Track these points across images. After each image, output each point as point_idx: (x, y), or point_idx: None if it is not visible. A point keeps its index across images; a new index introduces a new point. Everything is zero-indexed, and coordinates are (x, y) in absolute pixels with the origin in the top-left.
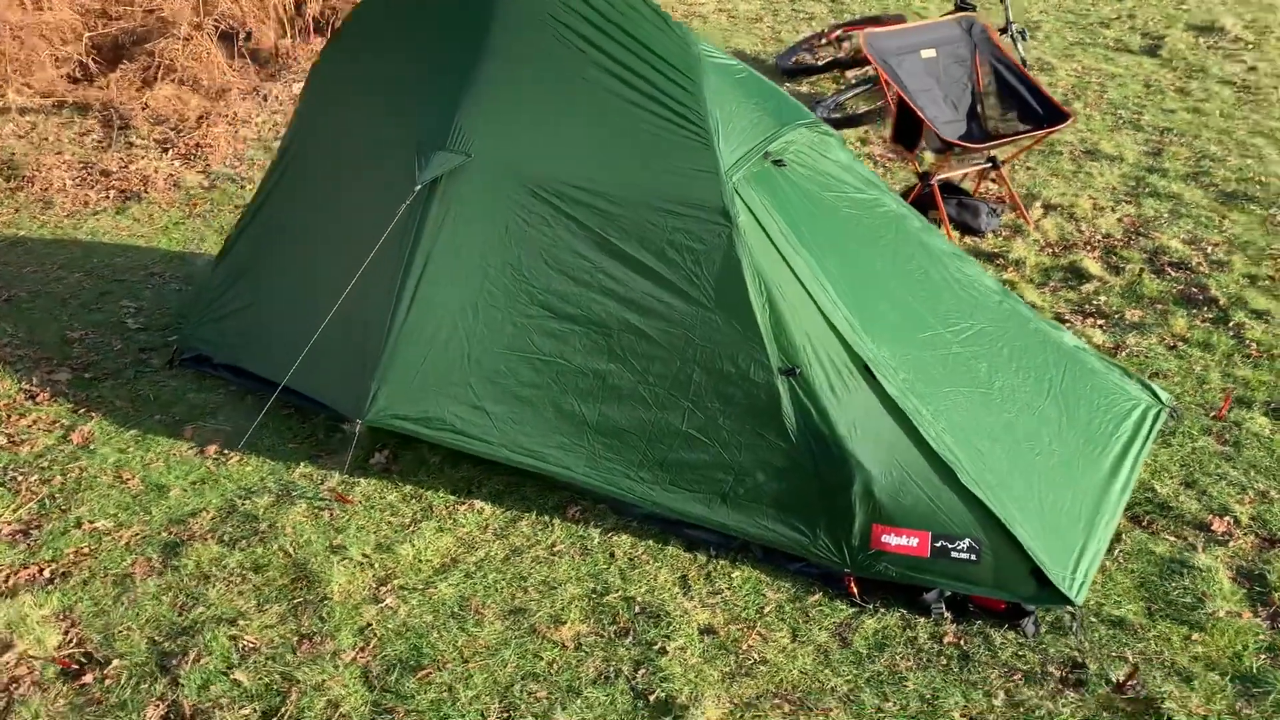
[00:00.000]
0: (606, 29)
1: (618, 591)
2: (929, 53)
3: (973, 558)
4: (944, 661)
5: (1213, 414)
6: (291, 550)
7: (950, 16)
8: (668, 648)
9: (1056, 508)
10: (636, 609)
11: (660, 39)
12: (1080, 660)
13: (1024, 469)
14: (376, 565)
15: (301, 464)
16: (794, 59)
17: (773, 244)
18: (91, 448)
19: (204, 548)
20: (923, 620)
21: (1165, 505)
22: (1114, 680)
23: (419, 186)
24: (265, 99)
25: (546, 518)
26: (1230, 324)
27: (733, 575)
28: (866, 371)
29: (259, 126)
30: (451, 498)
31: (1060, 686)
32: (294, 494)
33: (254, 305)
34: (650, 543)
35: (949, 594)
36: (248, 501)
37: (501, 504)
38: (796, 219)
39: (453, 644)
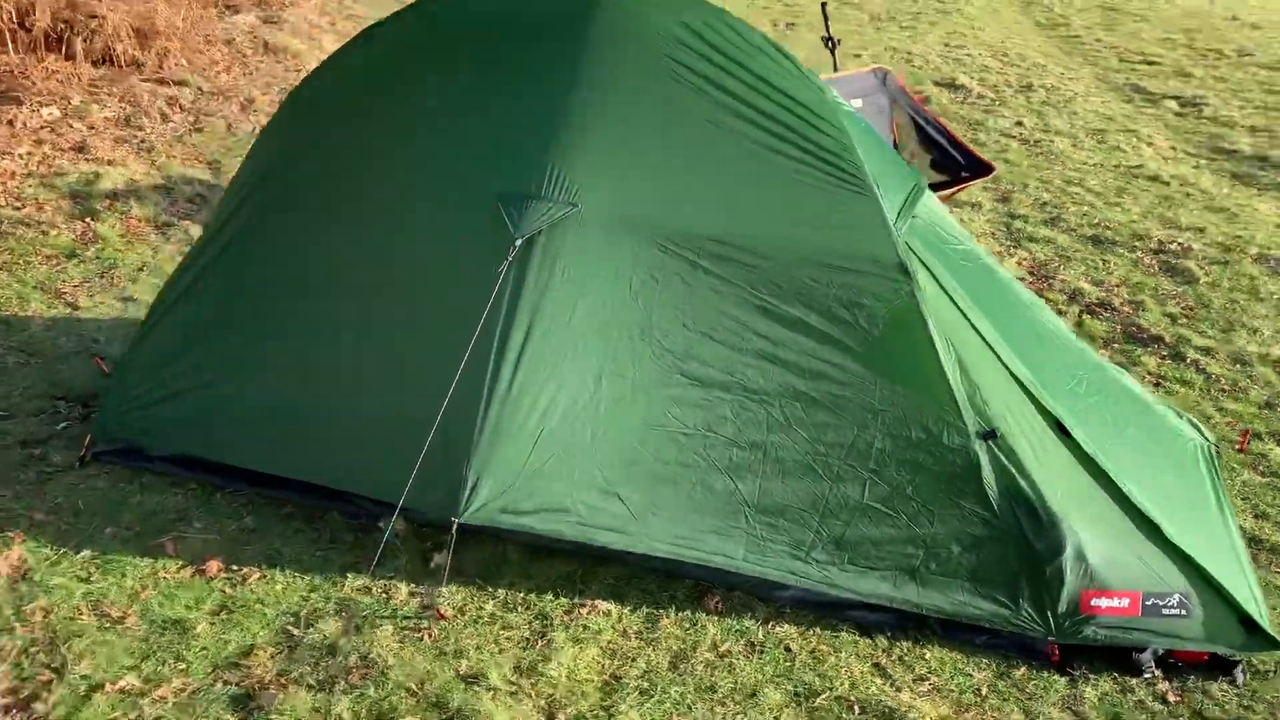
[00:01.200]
0: (729, 68)
1: (825, 693)
2: (856, 103)
3: (1183, 612)
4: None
5: (1235, 446)
6: (416, 687)
7: (864, 69)
8: None
9: (1217, 553)
10: (857, 709)
11: (791, 81)
12: None
13: (1180, 518)
14: (533, 693)
15: (347, 575)
16: None
17: (951, 300)
18: (35, 578)
19: (293, 696)
20: (1134, 681)
21: (1255, 538)
22: None
23: (518, 241)
24: (12, 124)
25: (689, 612)
26: (1188, 360)
27: (925, 656)
28: (1059, 429)
29: (25, 160)
30: (564, 600)
31: None
32: (363, 614)
33: (221, 378)
34: (818, 630)
35: (1160, 652)
36: (310, 630)
37: (625, 601)
38: (948, 274)
39: None
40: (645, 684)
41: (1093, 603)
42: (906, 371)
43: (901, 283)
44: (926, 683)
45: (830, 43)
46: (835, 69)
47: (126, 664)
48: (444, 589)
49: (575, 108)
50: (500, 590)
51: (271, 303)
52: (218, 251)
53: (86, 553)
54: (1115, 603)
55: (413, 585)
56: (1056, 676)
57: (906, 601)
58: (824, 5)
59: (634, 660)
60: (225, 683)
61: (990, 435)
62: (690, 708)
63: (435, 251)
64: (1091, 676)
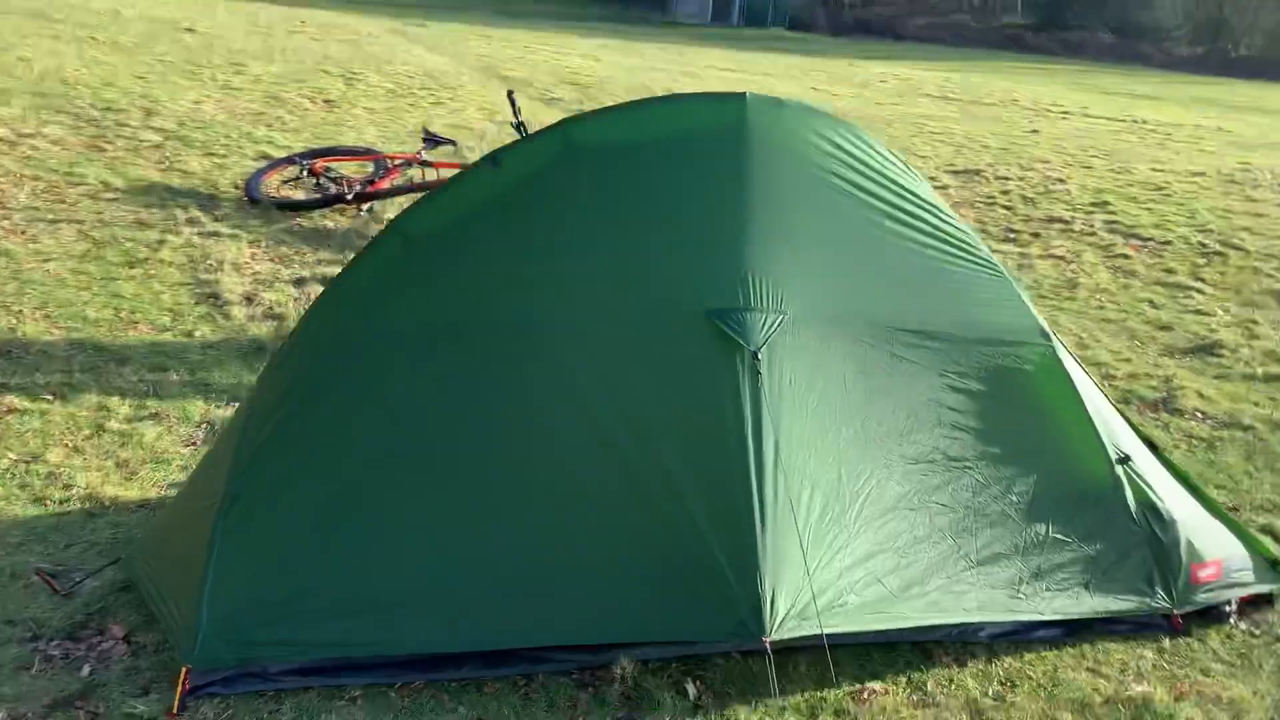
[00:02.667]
0: (867, 174)
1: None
2: None
3: (1244, 566)
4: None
5: None
6: None
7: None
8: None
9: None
10: (1119, 705)
11: (912, 181)
12: None
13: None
14: None
15: None
16: (267, 191)
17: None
18: None
19: None
20: (1228, 627)
21: None
22: None
23: (758, 353)
24: None
25: (948, 670)
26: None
27: (1109, 650)
28: (1148, 441)
29: None
30: (846, 688)
31: None
32: None
33: (376, 559)
34: (1032, 654)
35: (1234, 601)
36: None
37: (889, 677)
38: None
39: None
40: None
41: (1198, 574)
42: (1060, 419)
43: (1045, 345)
44: (1130, 671)
45: (521, 129)
46: None
47: None
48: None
49: (754, 221)
50: (767, 700)
51: (440, 462)
52: (325, 423)
53: None
54: (1209, 570)
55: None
56: (1188, 639)
57: (1086, 612)
58: (510, 94)
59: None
60: None
61: (1125, 460)
62: None
63: (655, 382)
64: (1199, 631)
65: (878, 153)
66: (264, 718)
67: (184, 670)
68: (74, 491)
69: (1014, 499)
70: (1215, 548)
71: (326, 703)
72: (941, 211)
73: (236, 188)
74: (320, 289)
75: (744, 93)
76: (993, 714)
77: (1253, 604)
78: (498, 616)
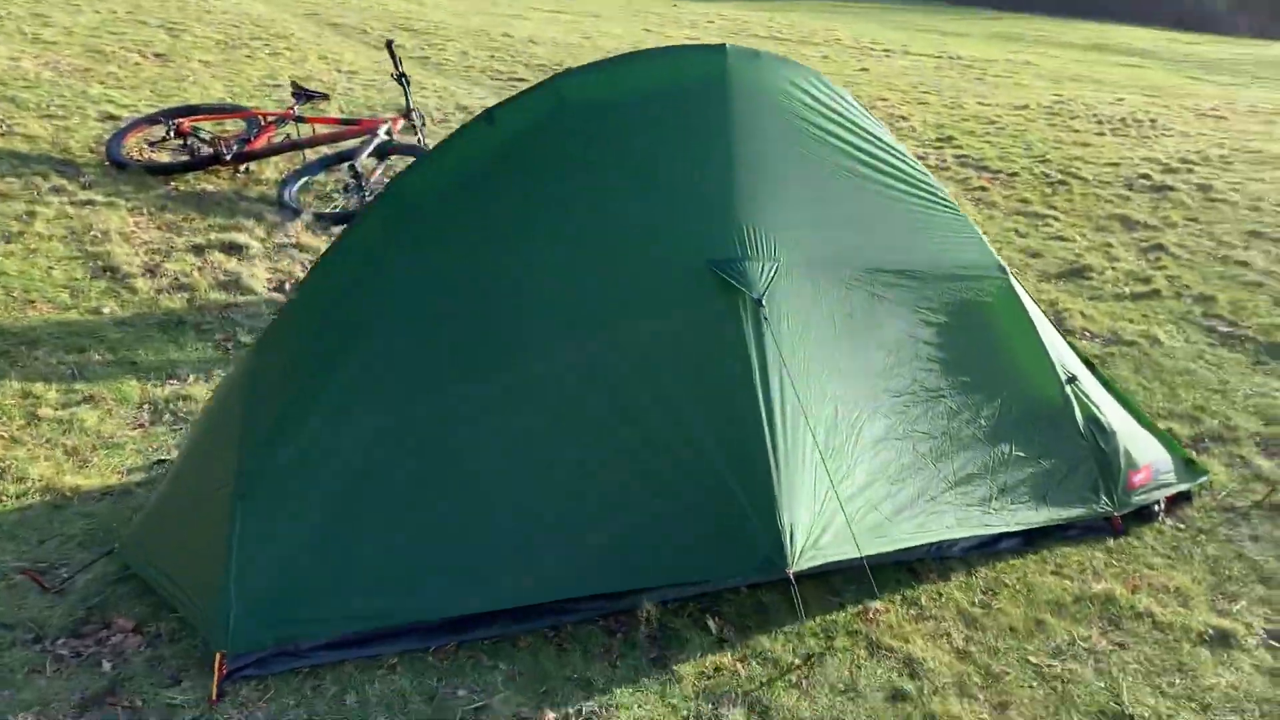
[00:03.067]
0: (839, 121)
1: (1067, 597)
2: None
3: (1167, 469)
4: (1211, 531)
5: None
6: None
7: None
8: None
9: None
10: (1087, 601)
11: (872, 123)
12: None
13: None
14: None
15: (670, 669)
16: (130, 154)
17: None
18: None
19: None
20: (1157, 523)
21: None
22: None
23: (761, 299)
24: None
25: (936, 584)
26: None
27: (1066, 554)
28: (1085, 360)
29: None
30: (849, 612)
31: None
32: (760, 680)
33: (401, 527)
34: (1001, 563)
35: (1162, 500)
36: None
37: (900, 594)
38: None
39: None
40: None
41: (1133, 479)
42: (1017, 345)
43: (1003, 278)
44: (1088, 571)
45: (403, 80)
46: (408, 105)
47: None
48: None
49: (741, 171)
50: (785, 629)
51: (455, 426)
52: (347, 382)
53: None
54: (1141, 474)
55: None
56: (1127, 538)
57: (1043, 520)
58: (390, 44)
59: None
60: None
61: (1072, 380)
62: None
63: (663, 333)
64: (1135, 528)
65: (845, 100)
66: (306, 694)
67: (218, 656)
68: (29, 484)
69: (982, 423)
70: (1145, 453)
71: (366, 673)
72: (905, 156)
73: (93, 151)
74: (223, 257)
75: (723, 44)
76: (984, 620)
77: (1175, 501)
78: (525, 573)
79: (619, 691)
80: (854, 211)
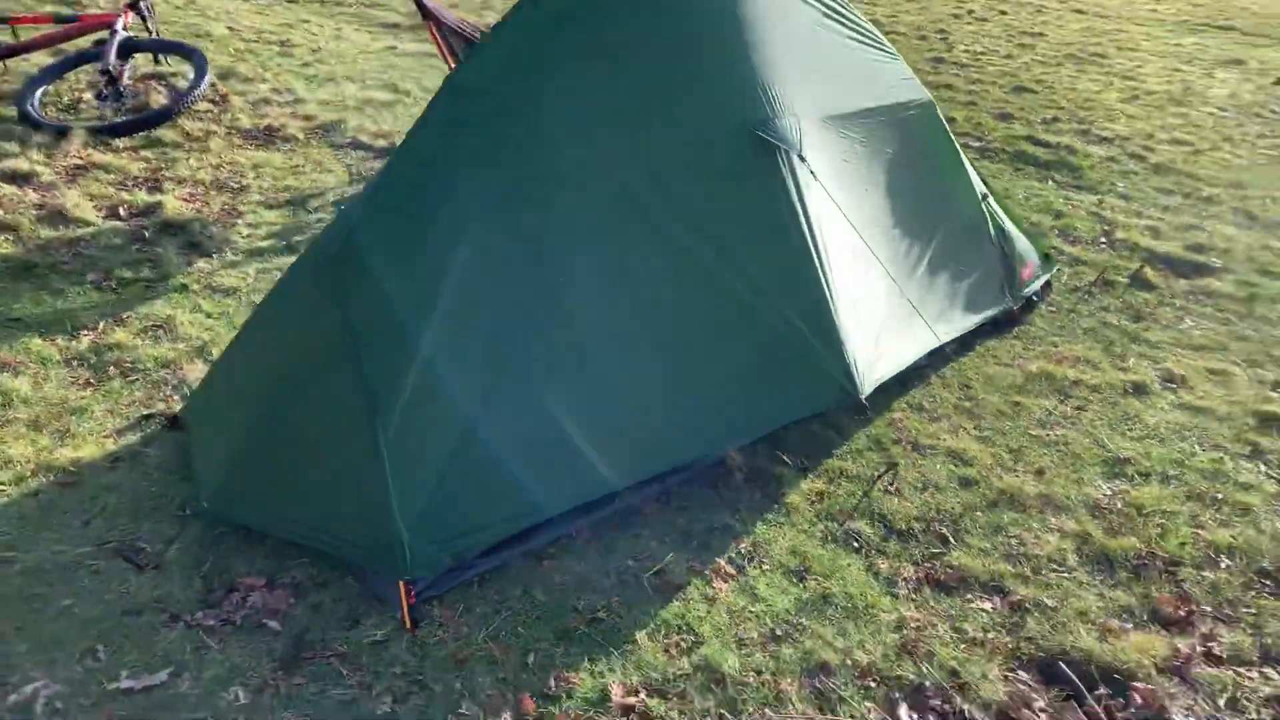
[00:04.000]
0: None
1: (991, 389)
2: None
3: (1038, 262)
4: (1075, 309)
5: None
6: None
7: None
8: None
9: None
10: (1001, 384)
11: None
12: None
13: None
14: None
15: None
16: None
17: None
18: None
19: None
20: (1040, 308)
21: None
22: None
23: (800, 153)
24: None
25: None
26: None
27: (993, 347)
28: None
29: None
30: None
31: (1092, 287)
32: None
33: (528, 427)
34: (950, 370)
35: (1038, 289)
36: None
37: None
38: None
39: None
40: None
41: (1023, 275)
42: (947, 169)
43: (931, 106)
44: (1018, 357)
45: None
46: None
47: None
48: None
49: (748, 37)
50: (842, 449)
51: (569, 310)
52: (460, 301)
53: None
54: (1028, 270)
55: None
56: (1023, 325)
57: (975, 323)
58: None
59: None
60: None
61: (985, 196)
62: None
63: (719, 194)
64: (1024, 316)
65: None
66: (495, 599)
67: (402, 585)
68: (19, 468)
69: (928, 234)
70: (1028, 252)
71: (533, 570)
72: (850, 8)
73: None
74: (16, 189)
75: None
76: (977, 411)
77: (1043, 290)
78: (641, 447)
79: (758, 529)
80: (827, 63)
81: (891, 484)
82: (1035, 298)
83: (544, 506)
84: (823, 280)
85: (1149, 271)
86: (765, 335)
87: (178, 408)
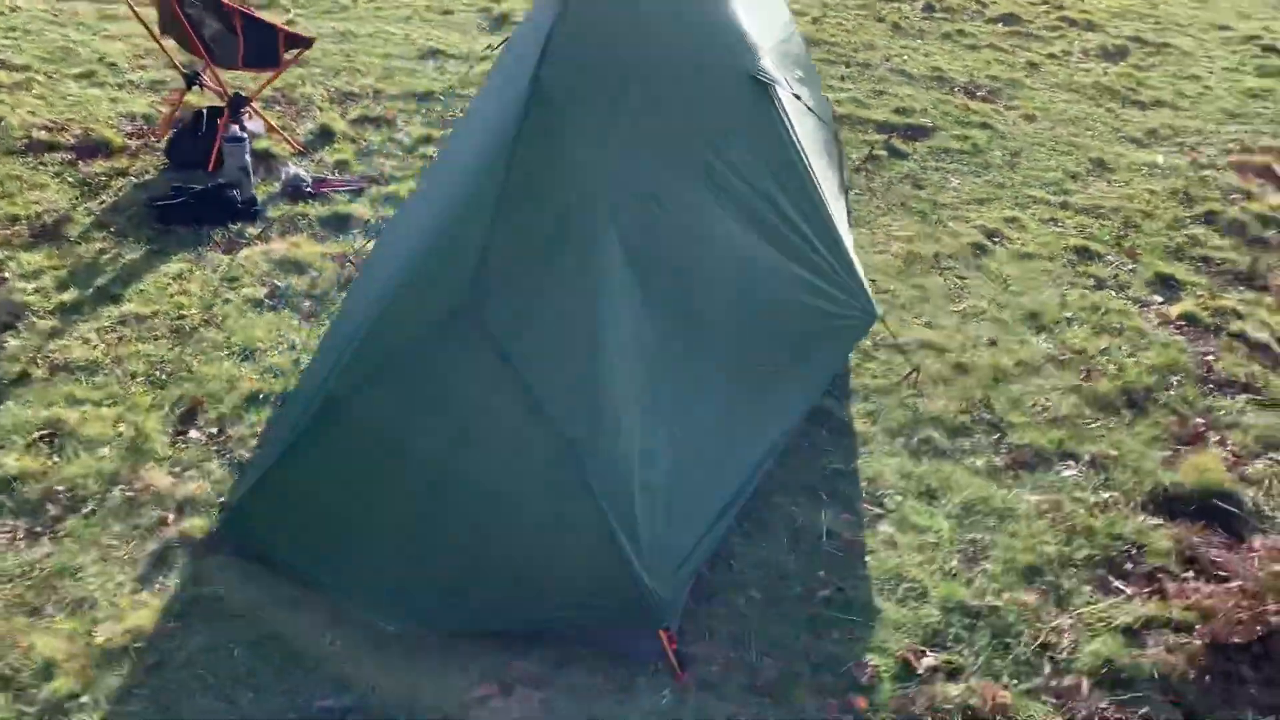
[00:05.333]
0: None
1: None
2: None
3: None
4: (869, 183)
5: None
6: None
7: None
8: None
9: None
10: None
11: None
12: None
13: None
14: None
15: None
16: None
17: None
18: None
19: None
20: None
21: None
22: None
23: (795, 93)
24: None
25: None
26: None
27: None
28: None
29: None
30: None
31: (866, 165)
32: None
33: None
34: None
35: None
36: None
37: None
38: None
39: None
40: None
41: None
42: (812, 73)
43: (799, 38)
44: (860, 250)
45: None
46: None
47: None
48: None
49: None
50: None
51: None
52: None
53: None
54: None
55: None
56: (854, 212)
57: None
58: None
59: None
60: None
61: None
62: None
63: (738, 133)
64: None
65: None
66: (728, 613)
67: (663, 635)
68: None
69: (831, 160)
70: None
71: (723, 575)
72: None
73: None
74: None
75: None
76: (898, 302)
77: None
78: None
79: (859, 465)
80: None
81: (914, 386)
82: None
83: (712, 513)
84: (820, 205)
85: (896, 140)
86: (794, 258)
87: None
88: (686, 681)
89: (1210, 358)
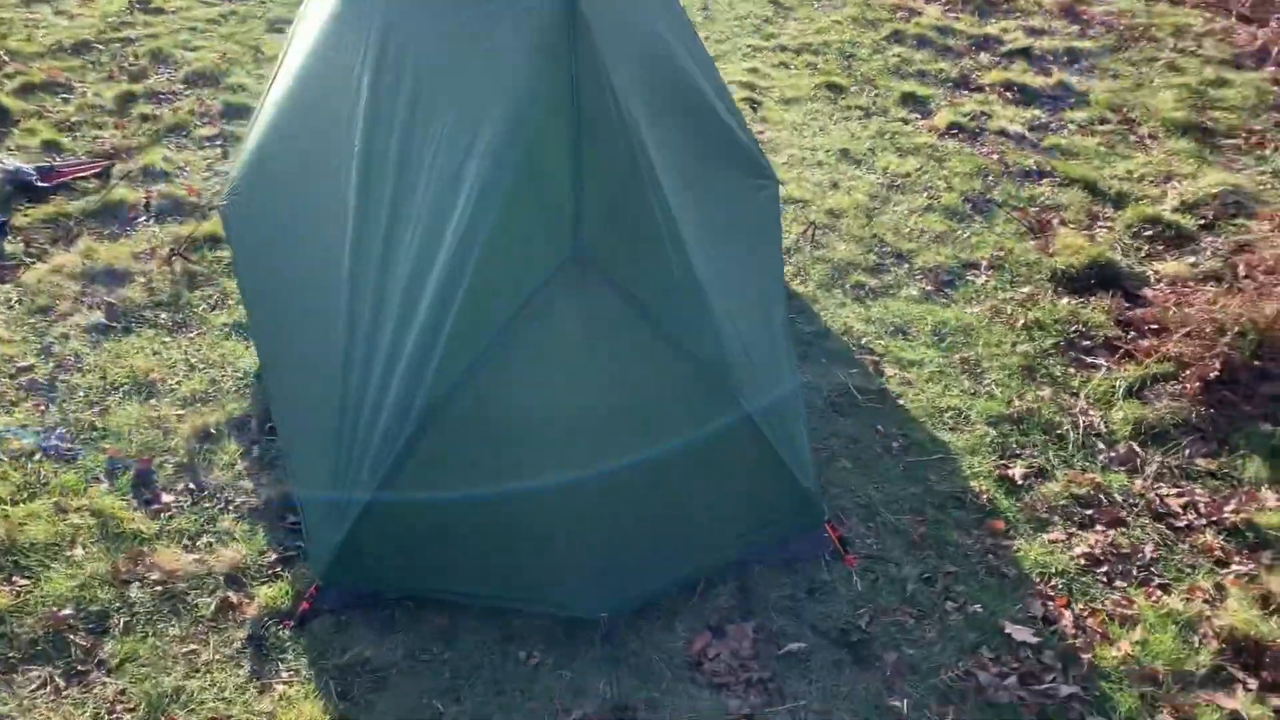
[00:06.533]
0: None
1: None
2: None
3: None
4: None
5: None
6: None
7: None
8: None
9: None
10: None
11: None
12: None
13: None
14: None
15: None
16: None
17: None
18: None
19: None
20: None
21: None
22: None
23: None
24: None
25: None
26: None
27: None
28: None
29: None
30: None
31: None
32: None
33: None
34: None
35: None
36: None
37: None
38: None
39: None
40: None
41: None
42: None
43: None
44: None
45: None
46: None
47: None
48: None
49: None
50: None
51: None
52: None
53: None
54: None
55: None
56: None
57: None
58: None
59: None
60: None
61: None
62: None
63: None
64: None
65: None
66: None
67: (828, 527)
68: None
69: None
70: None
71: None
72: None
73: None
74: None
75: None
76: None
77: None
78: None
79: (824, 319)
80: None
81: (814, 240)
82: None
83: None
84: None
85: None
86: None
87: None
88: (857, 564)
89: (995, 155)
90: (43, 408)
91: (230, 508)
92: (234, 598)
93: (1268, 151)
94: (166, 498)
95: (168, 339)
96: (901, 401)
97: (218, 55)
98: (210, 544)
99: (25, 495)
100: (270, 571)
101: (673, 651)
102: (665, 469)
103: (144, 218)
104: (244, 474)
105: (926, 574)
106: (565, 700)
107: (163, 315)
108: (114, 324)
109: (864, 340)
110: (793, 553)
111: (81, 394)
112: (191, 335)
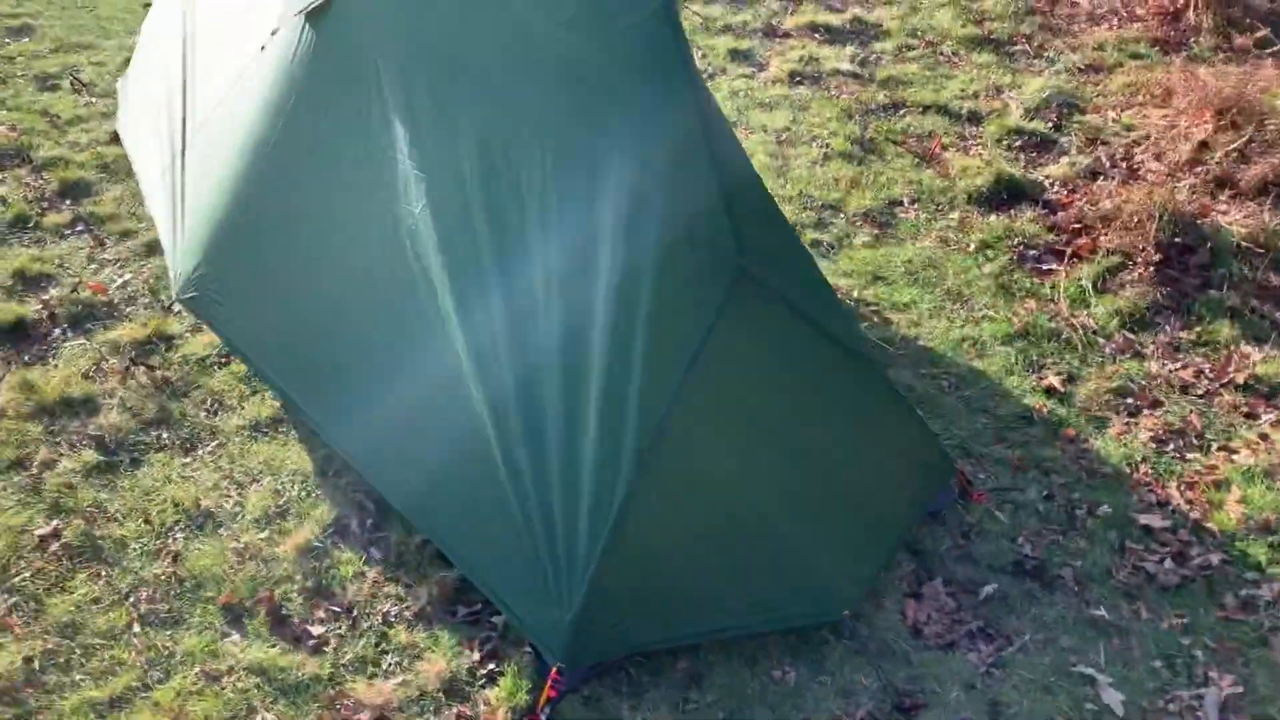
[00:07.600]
0: None
1: None
2: None
3: None
4: None
5: None
6: None
7: None
8: None
9: None
10: None
11: None
12: None
13: None
14: None
15: None
16: None
17: None
18: None
19: None
20: None
21: None
22: None
23: None
24: None
25: None
26: None
27: None
28: None
29: None
30: None
31: None
32: None
33: None
34: None
35: None
36: None
37: None
38: None
39: None
40: None
41: None
42: None
43: None
44: None
45: None
46: None
47: None
48: None
49: None
50: None
51: None
52: None
53: None
54: None
55: None
56: None
57: None
58: None
59: None
60: None
61: None
62: None
63: None
64: None
65: None
66: None
67: (960, 470)
68: None
69: None
70: None
71: None
72: None
73: None
74: None
75: None
76: None
77: None
78: None
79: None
80: None
81: None
82: None
83: None
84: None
85: None
86: None
87: None
88: (987, 499)
89: (847, 95)
90: (100, 574)
91: (393, 618)
92: (467, 710)
93: (1050, 53)
94: (317, 630)
95: (187, 459)
96: (922, 343)
97: (5, 128)
98: (399, 664)
99: (159, 675)
100: (484, 672)
101: (896, 627)
102: (842, 462)
103: (58, 330)
104: (381, 579)
105: (1046, 492)
106: (840, 704)
107: (164, 435)
108: (115, 458)
109: (853, 294)
110: (933, 505)
111: (135, 547)
112: (211, 449)
